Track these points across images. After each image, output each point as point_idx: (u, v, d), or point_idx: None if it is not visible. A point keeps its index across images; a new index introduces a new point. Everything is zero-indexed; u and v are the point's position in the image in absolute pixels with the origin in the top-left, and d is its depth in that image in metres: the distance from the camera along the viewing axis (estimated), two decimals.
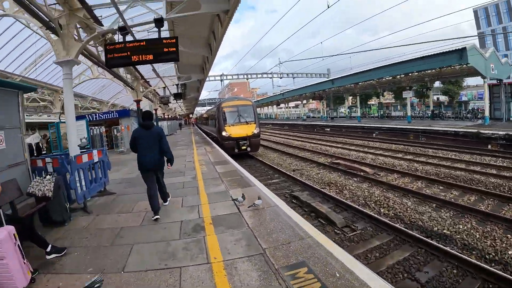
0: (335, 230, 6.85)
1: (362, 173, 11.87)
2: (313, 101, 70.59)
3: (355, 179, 11.29)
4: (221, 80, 36.79)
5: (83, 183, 5.71)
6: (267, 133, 34.22)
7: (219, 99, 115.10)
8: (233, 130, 16.25)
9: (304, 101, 58.61)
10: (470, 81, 45.47)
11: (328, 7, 18.40)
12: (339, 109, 56.99)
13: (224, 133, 16.15)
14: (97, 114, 19.56)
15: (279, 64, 39.37)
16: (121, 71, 15.53)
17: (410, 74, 27.12)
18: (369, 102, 65.88)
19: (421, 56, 23.89)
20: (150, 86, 17.60)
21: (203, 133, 32.99)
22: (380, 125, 27.09)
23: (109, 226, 5.16)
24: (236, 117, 16.65)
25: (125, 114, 19.50)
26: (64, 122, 11.29)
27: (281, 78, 39.67)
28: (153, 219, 5.16)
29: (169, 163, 5.60)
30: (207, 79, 27.24)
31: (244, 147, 16.27)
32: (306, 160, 15.57)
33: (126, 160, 13.65)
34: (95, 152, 6.30)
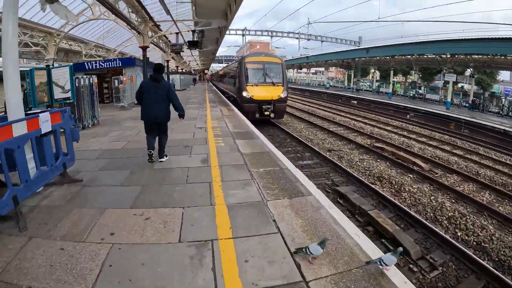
0: (409, 264, 4.62)
1: (415, 167, 9.35)
2: (334, 69, 65.92)
3: (410, 175, 8.84)
4: (243, 35, 32.95)
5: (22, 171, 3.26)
6: (289, 98, 31.16)
7: (237, 57, 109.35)
8: (256, 91, 13.51)
9: (331, 68, 54.16)
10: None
11: None
12: (361, 82, 52.69)
13: (245, 94, 13.44)
14: (97, 62, 16.83)
15: (307, 25, 35.13)
16: (125, 10, 12.51)
17: (457, 56, 23.29)
18: (394, 79, 61.21)
19: (489, 37, 19.85)
20: (161, 31, 14.47)
21: (218, 91, 30.25)
22: (414, 106, 23.86)
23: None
24: (261, 75, 13.79)
25: (129, 63, 16.81)
26: (43, 69, 8.85)
27: (308, 40, 35.49)
28: (148, 152, 5.48)
29: (181, 118, 5.70)
30: (228, 32, 23.80)
31: (267, 113, 13.64)
32: (341, 137, 13.02)
33: (122, 119, 11.29)
34: (43, 116, 3.74)
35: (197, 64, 57.42)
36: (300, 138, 12.06)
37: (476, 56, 22.92)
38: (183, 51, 14.52)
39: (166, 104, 5.31)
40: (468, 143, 14.40)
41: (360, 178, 7.98)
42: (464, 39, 21.27)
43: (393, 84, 59.66)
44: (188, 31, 14.46)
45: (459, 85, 54.24)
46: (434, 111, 22.00)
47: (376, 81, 48.12)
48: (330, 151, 10.93)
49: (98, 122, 10.32)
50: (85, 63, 16.91)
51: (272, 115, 13.80)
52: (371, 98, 29.85)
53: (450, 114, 20.73)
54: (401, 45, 26.80)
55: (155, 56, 31.66)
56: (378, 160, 10.11)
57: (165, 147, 5.72)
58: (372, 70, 62.60)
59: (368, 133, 14.57)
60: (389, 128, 16.72)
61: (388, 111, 24.78)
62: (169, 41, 23.18)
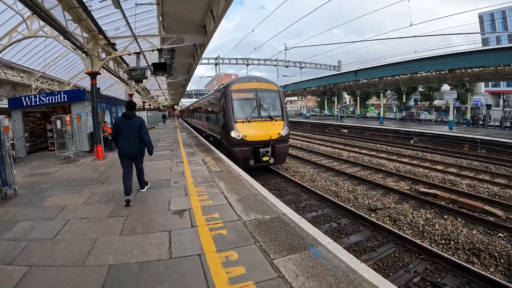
0: None
1: (491, 217, 6.67)
2: (309, 97, 64.80)
3: (501, 235, 5.56)
4: (216, 64, 30.01)
5: None
6: None
7: (206, 91, 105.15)
8: (249, 130, 10.00)
9: (309, 97, 52.39)
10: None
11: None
12: (332, 108, 51.47)
13: (234, 134, 9.84)
14: (37, 96, 12.63)
15: (285, 51, 33.15)
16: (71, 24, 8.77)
17: (456, 70, 21.82)
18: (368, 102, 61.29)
19: (485, 48, 18.44)
20: (116, 51, 10.48)
21: (190, 128, 26.38)
22: (415, 130, 21.53)
23: None
24: (253, 108, 10.36)
25: (78, 96, 12.75)
26: None
27: (287, 66, 33.24)
28: (125, 199, 5.09)
29: (149, 154, 5.67)
30: (199, 61, 20.53)
31: (266, 158, 10.09)
32: (369, 184, 9.58)
33: (56, 184, 6.95)
34: None
35: (165, 99, 53.72)
36: (320, 193, 8.50)
37: (477, 70, 21.60)
38: (146, 78, 10.64)
39: (137, 140, 5.36)
40: (502, 167, 12.24)
41: (463, 263, 4.55)
42: (466, 52, 19.70)
43: (367, 107, 59.73)
44: (154, 50, 10.70)
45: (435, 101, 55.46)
46: (439, 133, 19.73)
47: (366, 106, 47.04)
48: (373, 210, 7.40)
49: (13, 194, 6.04)
50: (23, 98, 12.62)
51: (271, 160, 10.25)
52: (362, 125, 27.45)
53: (457, 134, 18.63)
54: (394, 65, 24.96)
55: (120, 91, 27.90)
56: (445, 217, 6.83)
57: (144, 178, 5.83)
58: (349, 96, 62.21)
59: (394, 171, 11.42)
60: (405, 160, 13.89)
61: (387, 137, 22.21)
62: (146, 88, 20.49)
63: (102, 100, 14.93)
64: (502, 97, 52.71)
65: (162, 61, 10.07)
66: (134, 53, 10.58)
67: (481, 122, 25.25)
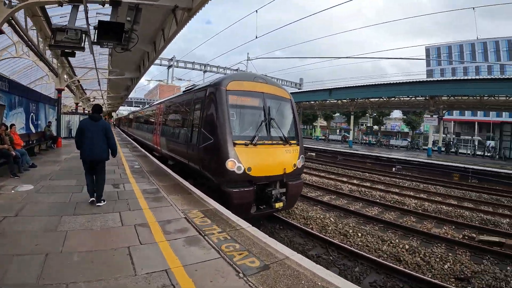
0: None
1: None
2: None
3: None
4: (170, 67, 25.27)
5: None
6: None
7: (150, 100, 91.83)
8: (255, 159, 6.20)
9: None
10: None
11: (256, 37, 18.35)
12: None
13: (231, 165, 5.88)
14: None
15: (247, 61, 29.97)
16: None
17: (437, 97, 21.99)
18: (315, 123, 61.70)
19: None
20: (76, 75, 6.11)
21: (132, 141, 21.04)
22: (392, 156, 20.15)
23: None
24: (260, 123, 6.65)
25: None
26: None
27: None
28: (89, 202, 5.03)
29: (113, 156, 5.39)
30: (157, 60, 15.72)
31: (280, 204, 6.37)
32: (425, 236, 6.62)
33: None
34: None
35: (103, 104, 46.20)
36: (380, 260, 5.21)
37: (465, 97, 22.23)
38: (82, 50, 6.08)
39: (103, 142, 5.11)
40: None
41: None
42: (453, 80, 19.69)
43: (314, 129, 60.02)
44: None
45: (363, 125, 58.30)
46: (419, 160, 18.57)
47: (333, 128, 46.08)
48: (462, 279, 4.43)
49: None
50: None
51: (282, 203, 6.49)
52: (329, 148, 25.33)
53: (440, 163, 17.97)
54: (377, 86, 23.85)
55: (50, 89, 22.39)
56: None
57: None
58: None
59: (434, 213, 8.75)
60: (411, 192, 11.83)
61: (364, 164, 20.10)
62: (81, 85, 20.00)
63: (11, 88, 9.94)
64: (442, 124, 57.66)
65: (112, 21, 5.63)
66: None
67: (453, 150, 26.22)
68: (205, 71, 27.92)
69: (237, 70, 29.31)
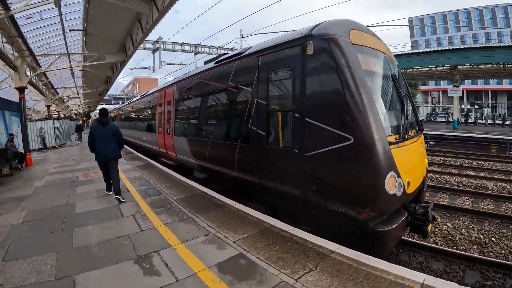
0: None
1: None
2: None
3: None
4: (155, 50, 21.35)
5: None
6: None
7: (129, 96, 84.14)
8: (409, 165, 3.53)
9: None
10: None
11: None
12: None
13: (391, 182, 3.13)
14: None
15: (240, 39, 26.33)
16: None
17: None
18: None
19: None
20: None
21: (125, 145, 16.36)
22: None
23: None
24: (398, 103, 3.95)
25: None
26: None
27: None
28: (108, 194, 5.87)
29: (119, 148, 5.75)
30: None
31: (430, 226, 3.84)
32: None
33: None
34: None
35: (79, 106, 41.70)
36: None
37: (483, 66, 20.94)
38: None
39: (114, 144, 5.53)
40: None
41: None
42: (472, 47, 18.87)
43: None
44: None
45: None
46: (455, 134, 16.50)
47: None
48: None
49: None
50: None
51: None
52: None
53: (468, 135, 17.72)
54: (427, 53, 21.59)
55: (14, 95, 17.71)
56: None
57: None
58: None
59: None
60: None
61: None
62: (50, 82, 18.12)
63: None
64: (429, 94, 56.48)
65: None
66: None
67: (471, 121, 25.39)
68: (196, 53, 24.23)
69: (231, 49, 25.69)
